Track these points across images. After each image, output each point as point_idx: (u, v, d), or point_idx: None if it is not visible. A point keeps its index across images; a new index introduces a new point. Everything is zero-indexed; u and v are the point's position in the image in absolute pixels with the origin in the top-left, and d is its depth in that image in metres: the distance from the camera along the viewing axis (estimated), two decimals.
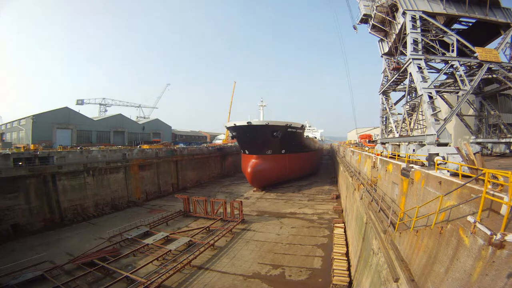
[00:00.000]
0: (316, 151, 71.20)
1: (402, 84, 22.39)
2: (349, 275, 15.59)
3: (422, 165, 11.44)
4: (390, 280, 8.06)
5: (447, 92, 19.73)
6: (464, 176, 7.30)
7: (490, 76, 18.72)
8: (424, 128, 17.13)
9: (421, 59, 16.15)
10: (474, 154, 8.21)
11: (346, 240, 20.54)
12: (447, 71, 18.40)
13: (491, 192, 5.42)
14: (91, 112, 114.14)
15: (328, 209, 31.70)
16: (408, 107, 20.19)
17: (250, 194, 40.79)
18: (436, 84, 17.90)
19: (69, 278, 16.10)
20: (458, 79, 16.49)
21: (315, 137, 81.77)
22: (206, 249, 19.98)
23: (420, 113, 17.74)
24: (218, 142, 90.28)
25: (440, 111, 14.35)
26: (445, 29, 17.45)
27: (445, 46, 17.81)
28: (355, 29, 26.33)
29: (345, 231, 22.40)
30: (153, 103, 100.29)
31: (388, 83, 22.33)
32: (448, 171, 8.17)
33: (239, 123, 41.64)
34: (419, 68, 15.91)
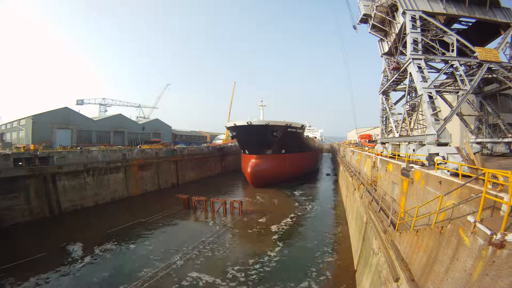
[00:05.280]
0: (316, 151, 71.24)
1: (402, 84, 22.36)
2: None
3: (422, 165, 11.45)
4: (390, 280, 8.06)
5: (447, 92, 19.72)
6: (464, 176, 7.31)
7: (490, 76, 18.69)
8: (424, 128, 17.12)
9: (421, 59, 16.14)
10: (474, 154, 8.23)
11: None
12: (447, 71, 18.38)
13: (491, 192, 5.43)
14: (91, 112, 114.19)
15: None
16: (408, 107, 20.18)
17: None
18: (436, 84, 17.88)
19: None
20: (458, 79, 16.48)
21: (315, 137, 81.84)
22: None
23: (420, 113, 17.72)
24: (218, 142, 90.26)
25: (440, 111, 14.34)
26: (445, 28, 17.44)
27: (445, 45, 17.79)
28: (355, 29, 26.33)
29: None
30: (153, 103, 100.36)
31: (388, 83, 22.32)
32: (448, 171, 8.17)
33: (239, 123, 41.65)
34: (419, 68, 15.90)
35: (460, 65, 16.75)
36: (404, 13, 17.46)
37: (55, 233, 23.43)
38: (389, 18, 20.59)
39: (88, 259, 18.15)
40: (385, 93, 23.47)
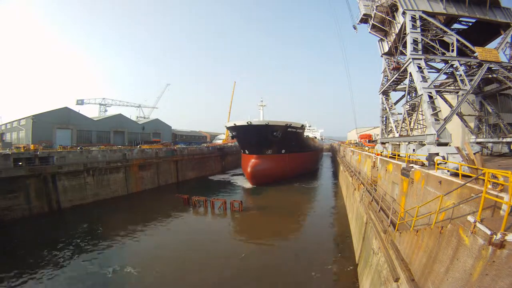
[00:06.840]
0: (316, 151, 71.28)
1: (402, 84, 22.37)
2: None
3: (422, 165, 11.45)
4: (390, 279, 8.07)
5: (447, 92, 19.73)
6: (464, 176, 7.31)
7: (490, 75, 18.69)
8: (424, 128, 17.13)
9: (421, 58, 16.14)
10: (474, 154, 8.22)
11: None
12: (447, 71, 18.38)
13: (491, 192, 5.43)
14: (91, 112, 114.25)
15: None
16: (408, 106, 20.18)
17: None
18: (436, 84, 17.87)
19: None
20: (458, 78, 16.48)
21: (315, 137, 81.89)
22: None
23: (420, 112, 17.72)
24: (218, 142, 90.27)
25: (440, 110, 14.34)
26: (445, 28, 17.43)
27: (445, 45, 17.79)
28: (355, 29, 26.34)
29: None
30: (153, 103, 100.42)
31: (388, 83, 22.32)
32: (448, 171, 8.18)
33: (239, 123, 41.66)
34: (419, 67, 15.90)
35: (460, 65, 16.75)
36: (404, 13, 17.46)
37: (54, 232, 23.42)
38: (389, 18, 20.59)
39: (87, 258, 18.14)
40: (385, 93, 23.47)
